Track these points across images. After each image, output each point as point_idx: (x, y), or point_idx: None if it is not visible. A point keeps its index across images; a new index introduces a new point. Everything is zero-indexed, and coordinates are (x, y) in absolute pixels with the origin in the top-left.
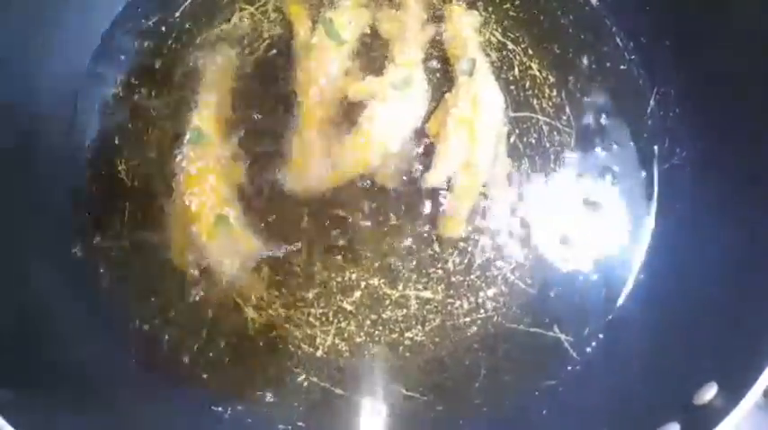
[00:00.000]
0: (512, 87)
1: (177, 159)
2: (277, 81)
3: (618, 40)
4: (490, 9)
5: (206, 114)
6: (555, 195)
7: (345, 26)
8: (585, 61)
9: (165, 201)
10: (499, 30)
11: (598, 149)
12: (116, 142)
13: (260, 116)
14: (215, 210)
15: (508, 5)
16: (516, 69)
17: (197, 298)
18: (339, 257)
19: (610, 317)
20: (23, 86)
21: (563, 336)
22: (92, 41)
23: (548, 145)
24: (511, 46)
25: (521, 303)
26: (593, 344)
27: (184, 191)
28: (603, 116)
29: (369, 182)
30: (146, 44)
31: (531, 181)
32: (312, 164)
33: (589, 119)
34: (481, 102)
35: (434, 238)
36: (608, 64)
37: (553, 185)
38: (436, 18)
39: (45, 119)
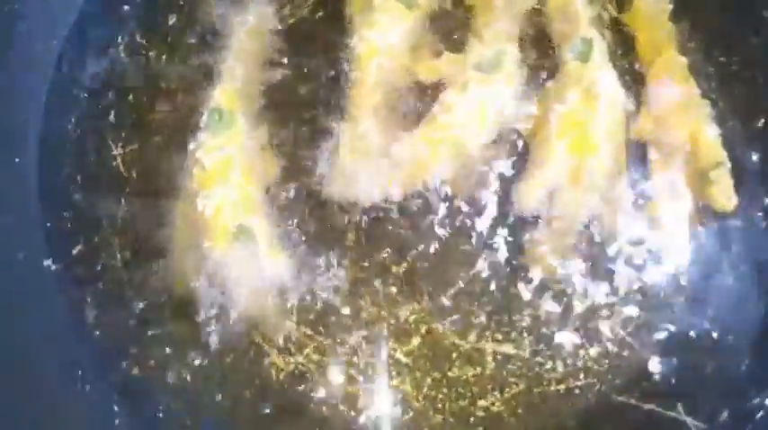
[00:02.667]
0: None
1: (190, 147)
2: (324, 52)
3: None
4: None
5: (231, 90)
6: (688, 232)
7: None
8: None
9: (170, 204)
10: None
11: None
12: (111, 120)
13: (300, 97)
14: (236, 218)
15: None
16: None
17: (207, 336)
18: (393, 290)
19: (756, 400)
20: None
21: (689, 420)
22: None
23: None
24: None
25: (632, 369)
26: None
27: (197, 190)
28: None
29: (437, 192)
30: None
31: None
32: (365, 164)
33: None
34: (598, 96)
35: (521, 274)
36: None
37: (685, 219)
38: None
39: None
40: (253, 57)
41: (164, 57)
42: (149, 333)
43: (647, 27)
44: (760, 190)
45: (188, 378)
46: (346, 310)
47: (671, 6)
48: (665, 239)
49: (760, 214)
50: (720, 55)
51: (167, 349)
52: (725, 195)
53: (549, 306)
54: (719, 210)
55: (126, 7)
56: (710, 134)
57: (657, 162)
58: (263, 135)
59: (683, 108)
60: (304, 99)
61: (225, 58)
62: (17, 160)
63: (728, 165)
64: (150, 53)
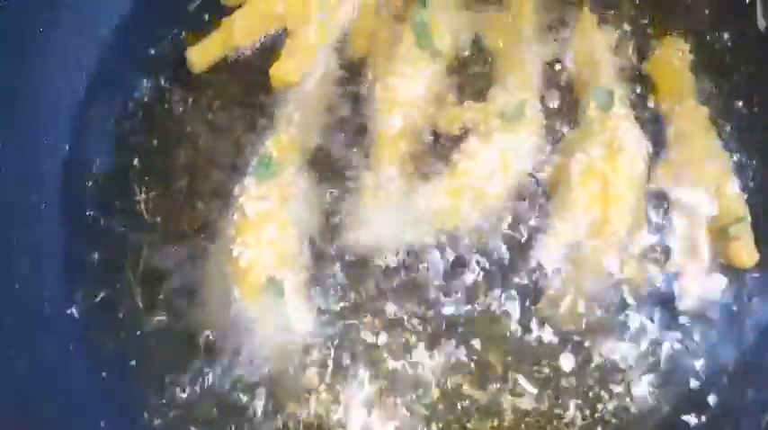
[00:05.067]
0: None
1: (235, 192)
2: (351, 102)
3: None
4: (625, 26)
5: (285, 138)
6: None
7: (442, 32)
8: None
9: (201, 248)
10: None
11: None
12: (135, 164)
13: (336, 148)
14: (268, 270)
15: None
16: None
17: (227, 384)
18: (413, 338)
19: None
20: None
21: None
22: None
23: None
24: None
25: (650, 423)
26: None
27: (234, 237)
28: None
29: (458, 242)
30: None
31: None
32: (386, 212)
33: None
34: (621, 148)
35: (540, 325)
36: None
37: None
38: (559, 29)
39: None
40: (313, 105)
41: (190, 101)
42: (168, 380)
43: (668, 76)
44: None
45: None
46: (367, 363)
47: (691, 56)
48: (684, 294)
49: None
50: (743, 106)
51: (185, 396)
52: (746, 251)
53: (568, 358)
54: (740, 266)
55: (152, 51)
56: (732, 187)
57: (678, 215)
58: (308, 185)
59: (703, 159)
60: (340, 150)
61: (281, 104)
62: (43, 206)
63: (749, 219)
64: (175, 97)
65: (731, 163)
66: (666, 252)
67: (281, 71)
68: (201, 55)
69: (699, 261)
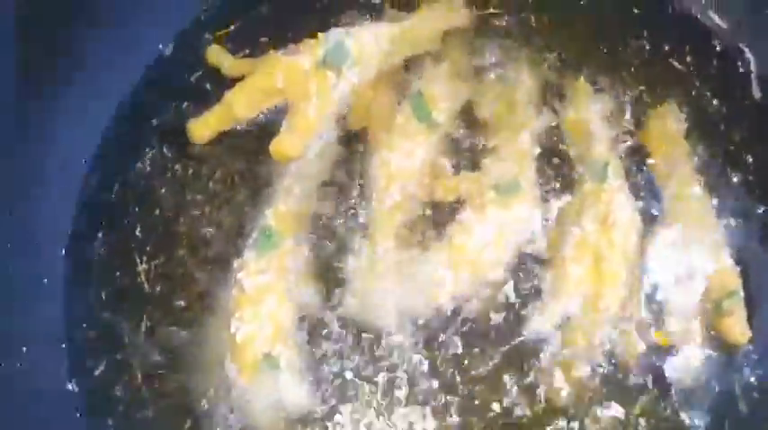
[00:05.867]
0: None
1: (234, 265)
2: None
3: None
4: (621, 95)
5: (284, 210)
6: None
7: (438, 103)
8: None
9: (200, 320)
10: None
11: None
12: (137, 234)
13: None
14: (265, 346)
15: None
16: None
17: None
18: (408, 413)
19: None
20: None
21: None
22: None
23: None
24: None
25: None
26: None
27: (233, 310)
28: None
29: (451, 317)
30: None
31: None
32: (381, 284)
33: None
34: (615, 222)
35: (537, 397)
36: None
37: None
38: (555, 99)
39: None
40: (312, 178)
41: (190, 171)
42: None
43: (663, 144)
44: None
45: None
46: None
47: (687, 125)
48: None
49: None
50: (739, 175)
51: None
52: (738, 327)
53: (561, 427)
54: (732, 342)
55: (155, 121)
56: (726, 260)
57: (672, 288)
58: (306, 258)
59: (697, 230)
60: (337, 220)
61: (280, 176)
62: (45, 281)
63: (742, 294)
64: (176, 167)
65: (725, 233)
66: (660, 324)
67: (281, 146)
68: (202, 127)
69: (692, 336)
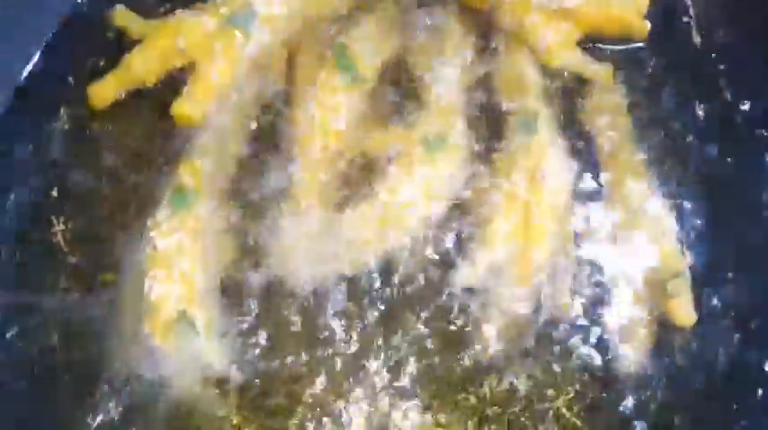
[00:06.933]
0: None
1: (148, 224)
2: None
3: None
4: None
5: (198, 169)
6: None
7: (364, 56)
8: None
9: (116, 281)
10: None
11: None
12: (53, 195)
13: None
14: (179, 304)
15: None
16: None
17: (142, 420)
18: (335, 371)
19: None
20: None
21: None
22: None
23: None
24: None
25: None
26: None
27: (146, 271)
28: None
29: (379, 273)
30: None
31: (606, 290)
32: (306, 243)
33: None
34: (545, 174)
35: (464, 355)
36: None
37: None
38: (486, 50)
39: None
40: (229, 138)
41: (108, 129)
42: (79, 415)
43: (602, 120)
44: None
45: None
46: (285, 394)
47: (626, 100)
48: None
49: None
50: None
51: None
52: (684, 309)
53: (494, 385)
54: (678, 325)
55: (71, 81)
56: (670, 240)
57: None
58: (224, 220)
59: (639, 210)
60: (257, 181)
61: (198, 136)
62: None
63: (688, 275)
64: (93, 125)
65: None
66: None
67: (181, 109)
68: (102, 91)
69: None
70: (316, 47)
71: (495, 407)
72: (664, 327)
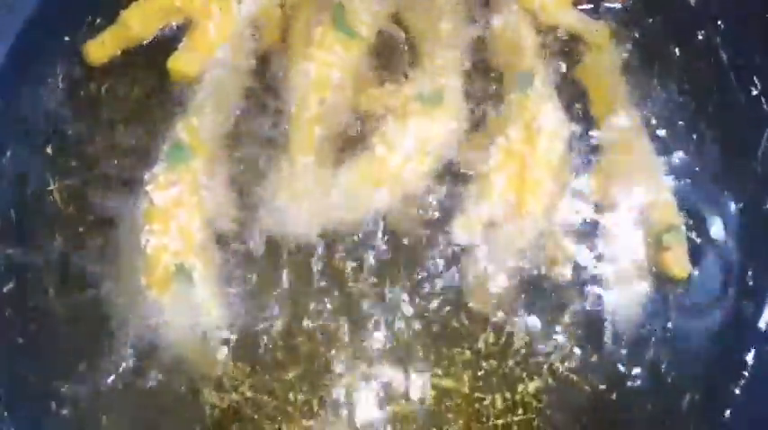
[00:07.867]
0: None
1: (146, 177)
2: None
3: None
4: None
5: (195, 125)
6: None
7: (360, 15)
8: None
9: (113, 237)
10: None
11: None
12: (48, 152)
13: (251, 135)
14: (176, 258)
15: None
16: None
17: (138, 373)
18: (331, 326)
19: None
20: None
21: None
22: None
23: None
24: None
25: (573, 405)
26: None
27: (143, 224)
28: None
29: (376, 228)
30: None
31: (604, 240)
32: (302, 200)
33: None
34: (540, 129)
35: (460, 309)
36: None
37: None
38: (482, 9)
39: None
40: (225, 95)
41: (104, 89)
42: (80, 368)
43: (599, 81)
44: None
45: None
46: (282, 347)
47: (623, 58)
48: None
49: None
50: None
51: (96, 383)
52: (678, 262)
53: (491, 339)
54: (674, 278)
55: (66, 38)
56: (665, 194)
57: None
58: (221, 176)
59: (635, 165)
60: (254, 137)
61: (194, 93)
62: None
63: (683, 228)
64: (91, 85)
65: (664, 169)
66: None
67: (177, 64)
68: (98, 48)
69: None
70: (312, 5)
71: (491, 361)
72: (659, 280)
